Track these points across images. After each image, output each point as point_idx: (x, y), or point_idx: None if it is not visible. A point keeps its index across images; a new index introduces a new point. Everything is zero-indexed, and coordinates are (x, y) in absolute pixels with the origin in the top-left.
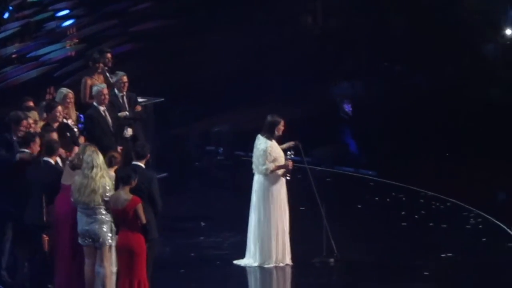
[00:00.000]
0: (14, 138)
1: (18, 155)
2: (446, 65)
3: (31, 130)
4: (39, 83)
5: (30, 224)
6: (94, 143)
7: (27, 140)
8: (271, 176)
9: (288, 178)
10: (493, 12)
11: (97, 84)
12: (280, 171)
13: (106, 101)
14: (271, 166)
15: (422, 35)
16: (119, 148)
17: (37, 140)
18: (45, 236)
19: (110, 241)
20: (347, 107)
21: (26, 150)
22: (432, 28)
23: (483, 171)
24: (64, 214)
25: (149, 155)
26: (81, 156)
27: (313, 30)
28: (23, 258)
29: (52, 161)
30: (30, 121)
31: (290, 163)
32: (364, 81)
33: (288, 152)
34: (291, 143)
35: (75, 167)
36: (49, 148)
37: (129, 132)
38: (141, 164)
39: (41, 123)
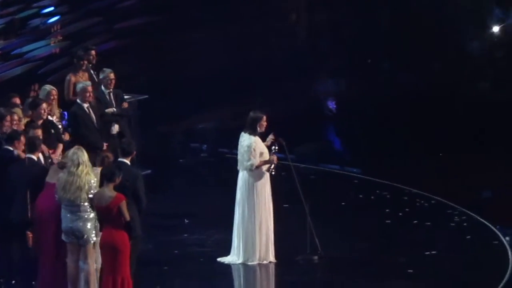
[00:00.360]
0: None
1: (15, 152)
2: (431, 62)
3: (15, 127)
4: (23, 80)
5: (16, 222)
6: (79, 140)
7: (11, 138)
8: (255, 173)
9: (273, 173)
10: (480, 10)
11: (81, 81)
12: (265, 167)
13: (90, 99)
14: (256, 161)
15: (407, 32)
16: (105, 145)
17: (22, 138)
18: (29, 233)
19: (94, 238)
20: (331, 104)
21: (10, 148)
22: (417, 25)
23: (468, 168)
24: (48, 211)
25: (135, 152)
26: (70, 157)
27: (297, 27)
28: (7, 255)
29: (35, 157)
30: (15, 117)
31: (275, 158)
32: (348, 78)
33: (273, 147)
34: (271, 137)
35: (63, 167)
36: (31, 145)
37: (116, 128)
38: (127, 161)
39: (25, 120)
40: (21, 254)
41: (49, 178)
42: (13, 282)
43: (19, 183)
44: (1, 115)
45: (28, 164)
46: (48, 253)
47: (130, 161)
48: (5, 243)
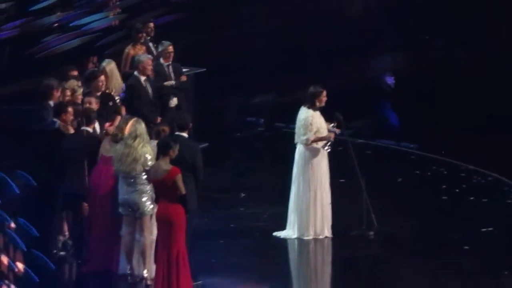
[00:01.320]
0: (51, 104)
1: (49, 126)
2: (487, 38)
3: (68, 98)
4: (81, 52)
5: (70, 193)
6: (134, 112)
7: (57, 110)
8: (312, 148)
9: (328, 150)
10: None
11: (141, 54)
12: (321, 143)
13: (148, 72)
14: (311, 136)
15: (463, 7)
16: (158, 119)
17: (70, 110)
18: (85, 204)
19: (150, 210)
20: (389, 80)
21: (55, 120)
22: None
23: None
24: (101, 185)
25: (191, 125)
26: (122, 128)
27: (354, 3)
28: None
29: (90, 129)
30: (67, 92)
31: (332, 136)
32: (404, 54)
33: (331, 125)
34: (336, 118)
35: (117, 140)
36: (86, 118)
37: (174, 101)
38: (184, 134)
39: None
40: (74, 225)
41: (103, 151)
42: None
43: (71, 155)
44: (51, 86)
45: (84, 136)
46: (101, 226)
47: (188, 134)
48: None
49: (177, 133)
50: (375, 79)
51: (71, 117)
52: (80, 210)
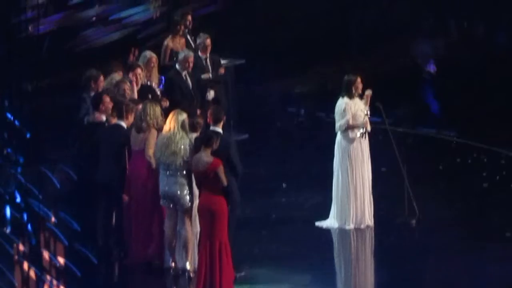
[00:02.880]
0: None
1: (86, 118)
2: None
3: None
4: (122, 45)
5: (100, 183)
6: (174, 105)
7: (94, 102)
8: (349, 137)
9: (364, 138)
10: None
11: (179, 47)
12: (356, 130)
13: (190, 69)
14: (344, 122)
15: None
16: (198, 111)
17: (106, 99)
18: (125, 196)
19: (190, 203)
20: (432, 67)
21: (95, 112)
22: None
23: None
24: (138, 177)
25: (224, 118)
26: (142, 117)
27: None
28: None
29: (122, 123)
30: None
31: (367, 123)
32: (445, 40)
33: (366, 111)
34: (369, 93)
35: (139, 129)
36: (117, 111)
37: (211, 94)
38: (219, 129)
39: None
40: (112, 217)
41: (133, 145)
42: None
43: (103, 147)
44: (93, 76)
45: (111, 129)
46: (142, 219)
47: (222, 127)
48: (94, 206)
49: (212, 127)
50: (418, 67)
51: (110, 106)
52: (118, 203)
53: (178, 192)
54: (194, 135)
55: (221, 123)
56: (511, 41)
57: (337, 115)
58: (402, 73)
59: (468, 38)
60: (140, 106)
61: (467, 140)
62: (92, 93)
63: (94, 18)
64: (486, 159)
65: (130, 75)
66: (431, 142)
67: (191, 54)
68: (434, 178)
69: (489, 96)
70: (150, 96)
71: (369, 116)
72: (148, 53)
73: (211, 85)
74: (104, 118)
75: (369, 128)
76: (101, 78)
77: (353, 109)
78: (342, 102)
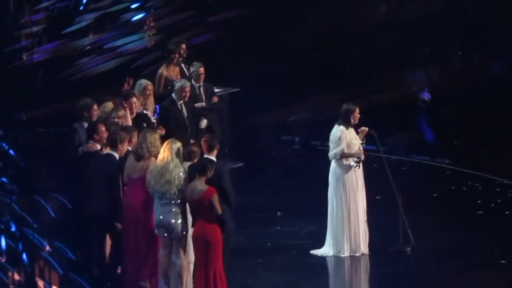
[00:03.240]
0: (85, 125)
1: (81, 148)
2: None
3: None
4: (117, 74)
5: (92, 214)
6: (168, 134)
7: (90, 130)
8: (342, 165)
9: (358, 167)
10: None
11: (173, 75)
12: (351, 159)
13: (186, 98)
14: (339, 151)
15: (497, 22)
16: (192, 141)
17: (101, 129)
18: (118, 225)
19: (185, 232)
20: (426, 95)
21: (90, 142)
22: (507, 15)
23: None
24: (133, 205)
25: (218, 147)
26: (142, 145)
27: (388, 19)
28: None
29: (115, 154)
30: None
31: (361, 152)
32: (439, 69)
33: (362, 141)
34: (364, 129)
35: (139, 157)
36: (110, 140)
37: (204, 123)
38: (212, 157)
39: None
40: (104, 246)
41: (131, 173)
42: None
43: (95, 177)
44: (87, 105)
45: (102, 159)
46: (136, 248)
47: (216, 156)
48: (88, 235)
49: (205, 155)
50: (412, 95)
51: (105, 136)
52: (114, 232)
53: (173, 220)
54: (188, 164)
55: (215, 151)
56: (506, 70)
57: (332, 143)
58: (396, 101)
59: (463, 67)
60: (135, 135)
61: (461, 167)
62: (86, 123)
63: (88, 47)
64: (481, 186)
65: (125, 104)
66: (426, 169)
67: (188, 84)
68: (429, 206)
69: (483, 123)
70: (145, 124)
71: (364, 145)
72: (144, 81)
73: (205, 114)
74: (98, 147)
75: (362, 157)
76: (95, 107)
77: (348, 137)
78: (337, 130)
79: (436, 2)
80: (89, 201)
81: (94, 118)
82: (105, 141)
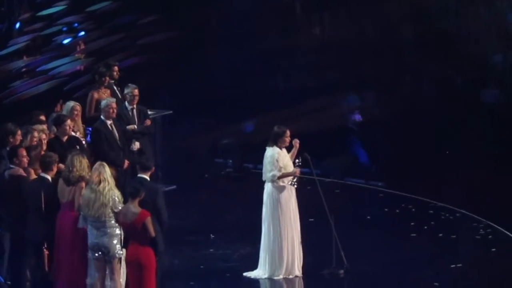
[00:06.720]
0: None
1: (6, 172)
2: (455, 75)
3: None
4: (48, 97)
5: (28, 239)
6: (100, 157)
7: (10, 154)
8: (279, 186)
9: (295, 186)
10: (500, 22)
11: (105, 98)
12: (287, 179)
13: (114, 115)
14: (278, 172)
15: (430, 45)
16: (126, 162)
17: (21, 153)
18: (45, 250)
19: (120, 253)
20: (357, 117)
21: (12, 166)
22: (440, 38)
23: (493, 182)
24: (66, 231)
25: (153, 168)
26: (70, 168)
27: (321, 41)
28: (25, 273)
29: (48, 176)
30: (35, 134)
31: (297, 171)
32: (371, 92)
33: (296, 160)
34: (295, 144)
35: (69, 181)
36: (42, 164)
37: (136, 145)
38: (146, 177)
39: (47, 137)
40: (37, 271)
41: (61, 197)
42: None
43: (28, 202)
44: (10, 131)
45: (34, 183)
46: (68, 272)
47: (150, 177)
48: (20, 261)
49: (139, 175)
50: (344, 118)
51: (25, 160)
52: (40, 257)
53: (108, 243)
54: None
55: (150, 172)
56: (437, 94)
57: (268, 165)
58: (329, 126)
59: (395, 89)
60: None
61: (394, 190)
62: (9, 148)
63: (23, 69)
64: (414, 208)
65: (60, 128)
66: (359, 192)
67: (113, 100)
68: (363, 228)
69: (415, 146)
70: (78, 147)
71: (300, 163)
72: (72, 102)
73: (136, 137)
74: (21, 171)
75: (299, 174)
76: (19, 132)
77: (284, 159)
78: (273, 152)
79: (370, 25)
80: (25, 226)
81: (17, 143)
82: (25, 165)
